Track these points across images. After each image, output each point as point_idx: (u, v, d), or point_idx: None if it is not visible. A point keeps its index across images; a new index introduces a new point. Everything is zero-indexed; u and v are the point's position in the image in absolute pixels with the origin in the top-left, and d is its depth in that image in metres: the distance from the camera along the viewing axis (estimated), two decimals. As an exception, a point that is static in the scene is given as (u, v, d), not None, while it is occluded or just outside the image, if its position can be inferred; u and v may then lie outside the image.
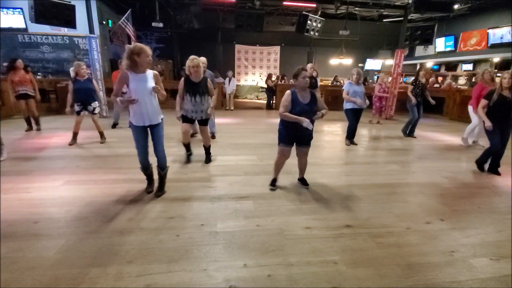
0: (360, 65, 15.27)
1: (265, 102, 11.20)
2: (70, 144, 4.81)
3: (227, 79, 9.80)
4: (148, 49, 2.61)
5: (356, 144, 5.42)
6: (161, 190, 3.01)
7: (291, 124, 2.86)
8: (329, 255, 2.07)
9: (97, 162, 3.99)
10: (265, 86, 11.43)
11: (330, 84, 12.62)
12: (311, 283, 1.79)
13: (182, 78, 3.72)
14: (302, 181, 3.36)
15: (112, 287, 1.71)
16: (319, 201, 2.97)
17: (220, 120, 7.78)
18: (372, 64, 15.05)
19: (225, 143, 5.22)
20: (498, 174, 3.90)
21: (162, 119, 2.85)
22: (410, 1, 8.59)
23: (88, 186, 3.15)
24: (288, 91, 2.85)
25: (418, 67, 14.42)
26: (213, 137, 5.52)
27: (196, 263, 1.93)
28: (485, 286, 1.81)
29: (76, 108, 4.75)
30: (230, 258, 2.00)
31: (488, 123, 3.68)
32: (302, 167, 3.30)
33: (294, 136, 3.00)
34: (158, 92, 2.70)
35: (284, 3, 10.04)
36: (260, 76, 15.01)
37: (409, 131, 6.20)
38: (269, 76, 11.05)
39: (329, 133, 6.62)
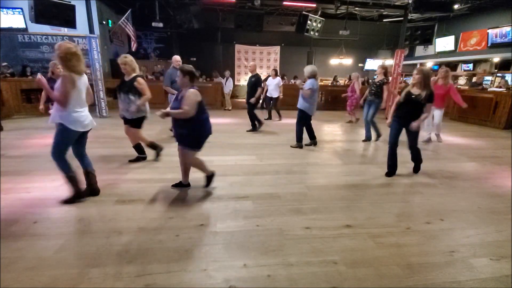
0: (360, 65, 15.29)
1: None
2: None
3: (225, 78, 9.82)
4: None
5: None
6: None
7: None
8: (329, 255, 2.07)
9: (95, 163, 3.96)
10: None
11: (329, 84, 12.61)
12: (310, 283, 1.79)
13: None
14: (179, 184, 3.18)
15: (111, 287, 1.71)
16: (318, 201, 2.97)
17: (219, 120, 7.78)
18: (372, 64, 15.03)
19: (224, 143, 5.22)
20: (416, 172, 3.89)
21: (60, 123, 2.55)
22: (410, 1, 8.59)
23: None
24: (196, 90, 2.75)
25: (418, 66, 14.43)
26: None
27: (195, 263, 1.93)
28: (485, 286, 1.81)
29: (50, 107, 4.74)
30: (229, 258, 2.00)
31: (388, 121, 3.61)
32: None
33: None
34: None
35: (284, 3, 10.03)
36: (260, 76, 14.98)
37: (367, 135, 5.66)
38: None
39: (328, 133, 6.62)
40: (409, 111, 3.44)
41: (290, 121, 7.83)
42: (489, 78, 11.44)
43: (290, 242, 2.21)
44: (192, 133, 2.80)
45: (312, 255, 2.07)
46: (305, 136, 5.16)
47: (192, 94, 2.69)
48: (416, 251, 2.14)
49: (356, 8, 10.54)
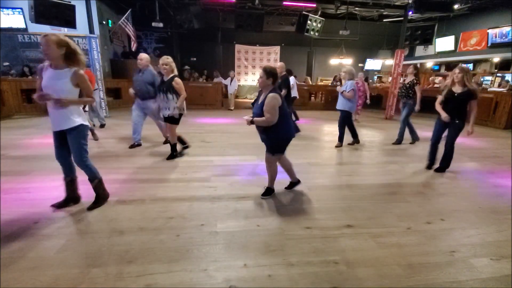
0: (360, 65, 15.28)
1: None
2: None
3: (229, 79, 9.80)
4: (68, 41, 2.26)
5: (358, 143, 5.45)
6: (95, 203, 2.69)
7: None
8: (330, 255, 2.07)
9: (96, 162, 3.95)
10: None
11: (330, 84, 12.62)
12: (311, 283, 1.79)
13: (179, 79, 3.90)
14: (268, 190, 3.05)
15: (112, 287, 1.71)
16: (319, 201, 2.97)
17: (220, 120, 7.78)
18: (372, 64, 15.03)
19: (225, 143, 5.22)
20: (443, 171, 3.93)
21: (80, 124, 2.45)
22: (410, 1, 8.60)
23: (88, 186, 3.12)
24: None
25: (418, 66, 14.41)
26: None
27: (196, 263, 1.93)
28: (485, 286, 1.81)
29: None
30: (230, 258, 2.00)
31: (445, 114, 3.60)
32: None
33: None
34: (64, 104, 2.24)
35: (284, 3, 10.02)
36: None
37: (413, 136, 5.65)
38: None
39: (329, 133, 6.61)
40: (453, 109, 3.58)
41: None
42: (489, 78, 11.45)
43: (291, 242, 2.21)
44: (272, 138, 2.76)
45: (313, 255, 2.07)
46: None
47: (272, 99, 2.55)
48: (417, 251, 2.14)
49: (356, 8, 10.54)
